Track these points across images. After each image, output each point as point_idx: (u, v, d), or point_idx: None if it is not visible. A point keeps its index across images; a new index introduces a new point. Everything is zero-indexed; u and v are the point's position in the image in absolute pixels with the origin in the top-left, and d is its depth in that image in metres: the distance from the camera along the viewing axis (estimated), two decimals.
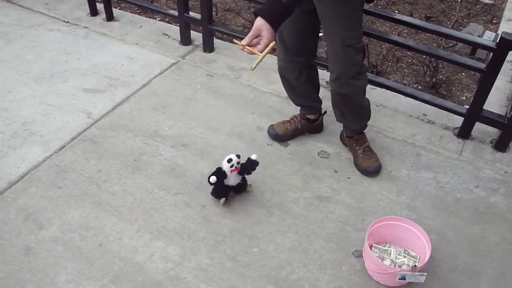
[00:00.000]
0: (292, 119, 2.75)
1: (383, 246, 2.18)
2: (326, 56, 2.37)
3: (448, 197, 2.46)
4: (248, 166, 2.33)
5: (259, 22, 1.83)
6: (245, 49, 1.84)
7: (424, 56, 3.57)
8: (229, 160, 2.25)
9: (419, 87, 3.49)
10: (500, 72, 2.53)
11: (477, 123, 2.77)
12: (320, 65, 2.91)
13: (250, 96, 3.12)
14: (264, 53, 1.82)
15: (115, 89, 3.15)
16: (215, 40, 3.64)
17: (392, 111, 3.03)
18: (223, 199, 2.35)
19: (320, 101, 2.72)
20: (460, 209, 2.41)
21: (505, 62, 2.50)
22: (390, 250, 2.16)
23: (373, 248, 2.16)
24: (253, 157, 2.33)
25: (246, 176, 2.38)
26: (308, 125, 2.75)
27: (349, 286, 2.04)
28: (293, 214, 2.34)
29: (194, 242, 2.19)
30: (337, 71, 2.25)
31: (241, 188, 2.39)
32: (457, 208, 2.41)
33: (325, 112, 2.77)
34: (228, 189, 2.35)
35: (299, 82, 2.54)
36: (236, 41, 1.89)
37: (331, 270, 2.11)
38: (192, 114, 2.94)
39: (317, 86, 2.69)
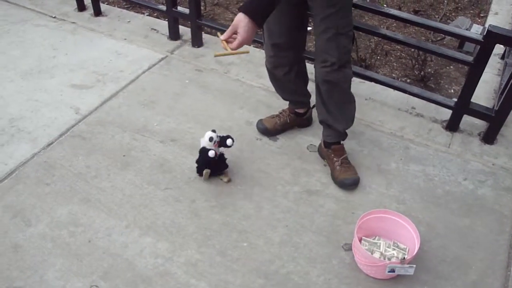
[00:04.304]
0: (281, 113, 2.75)
1: (373, 239, 2.19)
2: (314, 49, 2.34)
3: (437, 190, 2.48)
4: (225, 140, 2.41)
5: (238, 17, 1.80)
6: (222, 44, 1.84)
7: (412, 50, 3.58)
8: (211, 139, 2.33)
9: (408, 81, 3.49)
10: (487, 65, 2.55)
11: (465, 115, 2.79)
12: (309, 59, 2.90)
13: (239, 91, 3.11)
14: (232, 52, 1.82)
15: (103, 85, 3.13)
16: (204, 35, 3.62)
17: (381, 105, 3.04)
18: (206, 172, 2.41)
19: (309, 95, 2.71)
20: (448, 201, 2.42)
21: (492, 55, 2.52)
22: (380, 243, 2.17)
23: (362, 241, 2.16)
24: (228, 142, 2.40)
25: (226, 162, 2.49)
26: (297, 119, 2.75)
27: (339, 279, 2.05)
28: (283, 208, 2.34)
29: (183, 237, 2.19)
30: (330, 59, 2.19)
31: (221, 166, 2.47)
32: (446, 201, 2.42)
33: (314, 105, 2.76)
34: (209, 159, 2.38)
35: (288, 78, 2.51)
36: (219, 33, 1.90)
37: (321, 263, 2.11)
38: (181, 109, 2.93)
39: (306, 80, 2.67)
